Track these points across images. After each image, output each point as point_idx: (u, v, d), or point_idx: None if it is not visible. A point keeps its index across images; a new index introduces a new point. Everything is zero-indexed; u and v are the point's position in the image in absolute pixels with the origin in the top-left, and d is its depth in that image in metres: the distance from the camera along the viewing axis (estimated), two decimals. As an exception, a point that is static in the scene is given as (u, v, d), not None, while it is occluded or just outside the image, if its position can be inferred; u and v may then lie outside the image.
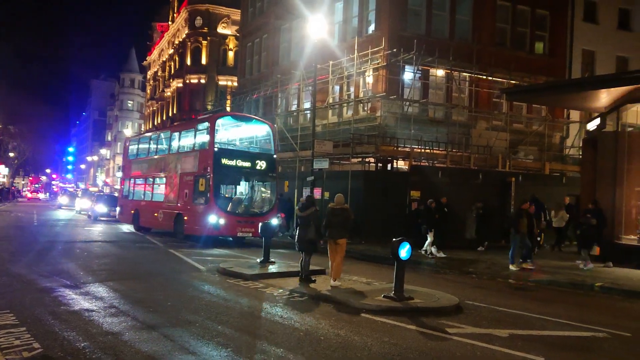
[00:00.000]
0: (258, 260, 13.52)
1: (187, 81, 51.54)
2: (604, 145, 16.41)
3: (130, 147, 28.01)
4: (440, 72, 24.29)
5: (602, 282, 11.99)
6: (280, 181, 20.87)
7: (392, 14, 23.63)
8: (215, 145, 19.07)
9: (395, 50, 22.12)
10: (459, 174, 20.97)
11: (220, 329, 7.30)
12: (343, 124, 24.88)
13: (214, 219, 18.31)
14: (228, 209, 18.87)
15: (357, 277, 12.03)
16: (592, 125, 18.75)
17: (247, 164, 19.61)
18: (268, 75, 32.53)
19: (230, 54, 51.33)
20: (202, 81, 51.02)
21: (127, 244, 19.04)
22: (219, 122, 20.27)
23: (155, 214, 22.31)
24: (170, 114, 55.97)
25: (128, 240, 20.47)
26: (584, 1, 28.33)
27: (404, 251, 9.19)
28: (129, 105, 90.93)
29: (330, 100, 25.97)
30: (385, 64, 22.62)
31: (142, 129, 75.33)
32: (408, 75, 23.02)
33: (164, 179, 22.43)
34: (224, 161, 19.04)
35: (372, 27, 24.95)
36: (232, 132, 21.89)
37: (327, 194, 20.81)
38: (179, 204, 20.62)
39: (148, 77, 74.31)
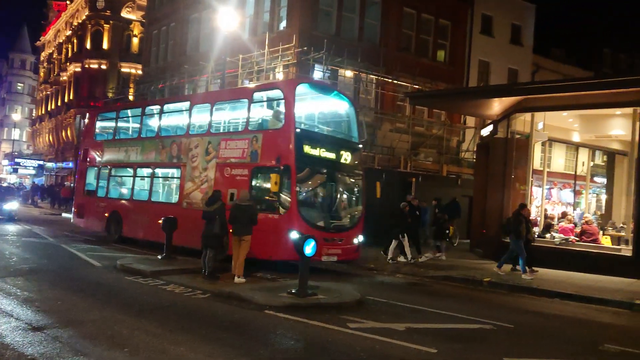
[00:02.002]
0: (159, 256, 13.06)
1: (87, 66, 48.45)
2: (495, 150, 17.65)
3: (100, 124, 19.69)
4: (349, 73, 24.83)
5: (489, 279, 12.90)
6: (366, 181, 14.60)
7: (303, 12, 23.80)
8: (297, 125, 12.69)
9: (305, 48, 22.28)
10: (366, 173, 21.51)
11: (117, 329, 6.97)
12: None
13: (297, 237, 11.07)
14: (313, 221, 12.58)
15: (262, 274, 12.01)
16: (485, 132, 20.09)
17: (332, 156, 13.38)
18: (175, 65, 31.46)
19: (135, 41, 48.99)
20: (103, 67, 48.24)
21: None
22: (299, 89, 13.45)
23: (160, 222, 13.77)
24: (66, 100, 52.36)
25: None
26: (481, 15, 30.26)
27: (309, 248, 9.31)
28: (19, 88, 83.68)
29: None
30: (295, 61, 22.72)
31: (34, 114, 69.76)
32: (318, 74, 23.30)
33: (179, 171, 15.23)
34: (307, 149, 12.71)
35: (283, 24, 24.97)
36: (308, 107, 14.53)
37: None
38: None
39: (42, 58, 68.95)
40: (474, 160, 23.68)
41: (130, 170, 17.44)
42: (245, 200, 11.11)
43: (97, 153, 18.93)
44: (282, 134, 12.73)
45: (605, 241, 15.42)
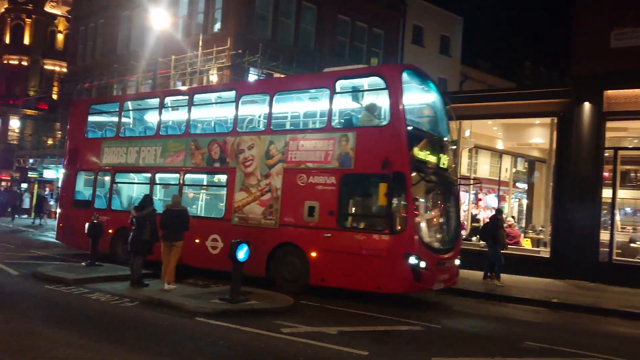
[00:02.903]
0: (83, 263, 12.46)
1: (5, 62, 45.57)
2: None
3: (94, 119, 15.89)
4: (276, 76, 24.86)
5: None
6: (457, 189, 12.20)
7: (238, 15, 23.61)
8: (408, 123, 10.22)
9: (240, 51, 22.09)
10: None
11: (30, 341, 6.55)
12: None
13: (415, 262, 9.62)
14: (426, 241, 10.23)
15: (193, 280, 11.73)
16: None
17: (434, 159, 10.87)
18: (104, 64, 30.24)
19: (60, 37, 46.62)
20: (24, 63, 45.48)
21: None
22: (405, 77, 10.75)
23: (197, 240, 11.88)
24: (-19, 97, 48.97)
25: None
26: (412, 25, 31.23)
27: (242, 253, 9.20)
28: None
29: (172, 97, 24.97)
30: (229, 64, 22.48)
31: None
32: (252, 77, 23.15)
33: (224, 177, 12.39)
34: (416, 152, 10.22)
35: (218, 26, 24.64)
36: (407, 99, 10.78)
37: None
38: (285, 226, 11.02)
39: (-46, 52, 64.15)
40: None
41: (146, 176, 13.97)
42: (177, 205, 10.82)
43: (92, 154, 15.01)
44: (389, 133, 10.12)
45: (526, 243, 16.28)
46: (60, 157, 29.94)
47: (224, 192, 12.37)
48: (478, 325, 9.22)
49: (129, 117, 15.64)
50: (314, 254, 10.50)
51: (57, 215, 16.56)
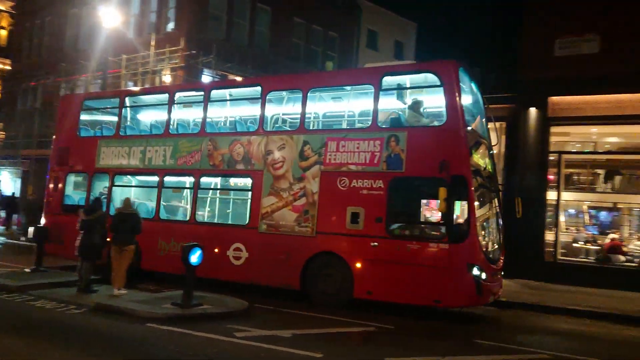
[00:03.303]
0: (27, 269, 11.94)
1: (-57, 58, 43.28)
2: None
3: (88, 117, 14.53)
4: (239, 79, 24.65)
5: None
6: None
7: (192, 15, 23.24)
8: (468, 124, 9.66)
9: (194, 52, 21.75)
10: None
11: (-27, 351, 6.25)
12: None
13: (477, 273, 8.99)
14: (486, 252, 9.69)
15: (144, 285, 11.45)
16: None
17: (483, 163, 10.34)
18: (51, 62, 29.09)
19: (3, 33, 44.66)
20: (-37, 60, 43.38)
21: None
22: (461, 74, 9.92)
23: (217, 249, 11.02)
24: None
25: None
26: (367, 30, 31.61)
27: (195, 257, 9.05)
28: None
29: (123, 97, 24.36)
30: (183, 64, 22.10)
31: None
32: (207, 78, 22.84)
33: (248, 181, 11.41)
34: (475, 157, 9.76)
35: (171, 25, 24.17)
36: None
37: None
38: (323, 234, 10.14)
39: None
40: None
41: (152, 179, 12.71)
42: (129, 207, 10.53)
43: (86, 154, 13.51)
44: (447, 133, 9.40)
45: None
46: (6, 158, 28.66)
47: (246, 196, 11.54)
48: (430, 324, 9.39)
49: (131, 114, 14.37)
50: (358, 265, 9.68)
51: (44, 223, 13.89)
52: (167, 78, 22.91)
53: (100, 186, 13.62)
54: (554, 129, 15.14)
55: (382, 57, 31.92)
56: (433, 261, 9.09)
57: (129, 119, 14.18)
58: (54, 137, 14.88)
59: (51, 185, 14.22)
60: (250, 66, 23.41)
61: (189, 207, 12.29)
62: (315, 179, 10.36)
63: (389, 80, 10.36)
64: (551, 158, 15.26)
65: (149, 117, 14.43)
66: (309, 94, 10.96)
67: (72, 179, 14.16)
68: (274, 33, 26.19)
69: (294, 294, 10.43)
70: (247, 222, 11.10)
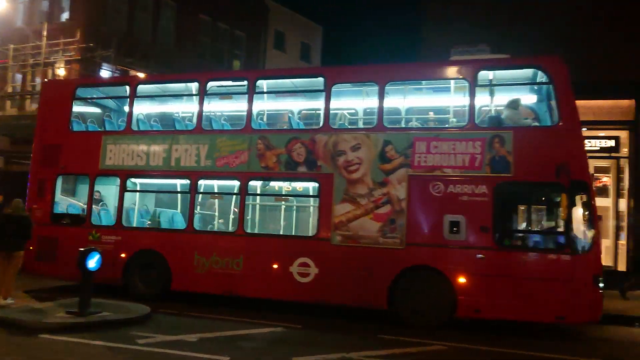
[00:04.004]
0: None
1: None
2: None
3: (82, 108, 12.61)
4: (141, 75, 23.68)
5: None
6: None
7: (89, 5, 21.95)
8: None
9: (92, 44, 20.57)
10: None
11: None
12: (25, 118, 21.81)
13: (602, 286, 8.37)
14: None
15: (35, 292, 10.65)
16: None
17: None
18: None
19: None
20: None
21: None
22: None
23: (275, 265, 9.83)
24: None
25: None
26: (274, 31, 31.65)
27: (93, 261, 8.58)
28: None
29: (10, 90, 22.51)
30: (79, 57, 20.82)
31: None
32: (105, 73, 21.68)
33: (315, 186, 10.11)
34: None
35: (66, 15, 22.68)
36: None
37: (0, 198, 17.83)
38: (414, 245, 9.12)
39: None
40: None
41: (181, 183, 11.20)
42: (18, 210, 9.73)
43: (84, 153, 11.49)
44: (563, 134, 8.67)
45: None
46: None
47: (311, 203, 10.53)
48: (336, 323, 9.58)
49: (146, 106, 12.27)
50: (462, 279, 8.75)
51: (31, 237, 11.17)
52: (61, 71, 21.49)
53: (106, 191, 11.82)
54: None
55: (289, 59, 32.18)
56: (554, 274, 8.37)
57: (143, 111, 12.07)
58: (36, 132, 12.14)
59: (35, 191, 11.63)
60: (153, 62, 22.56)
61: (232, 216, 11.07)
62: (401, 184, 9.28)
63: (485, 75, 9.62)
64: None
65: (170, 110, 12.31)
66: (386, 88, 9.82)
67: (66, 183, 11.99)
68: (179, 29, 25.46)
69: (200, 297, 10.17)
70: (315, 232, 9.86)
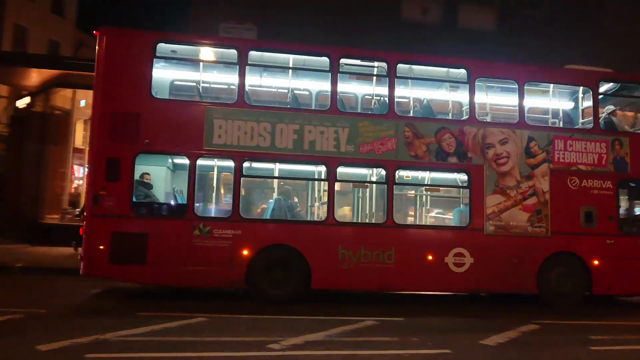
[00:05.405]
0: None
1: None
2: (31, 125, 16.34)
3: (175, 70, 10.49)
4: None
5: (22, 263, 11.89)
6: None
7: None
8: None
9: None
10: None
11: None
12: None
13: None
14: None
15: None
16: (21, 104, 18.33)
17: None
18: None
19: None
20: None
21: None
22: None
23: (430, 257, 9.65)
24: None
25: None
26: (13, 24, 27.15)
27: None
28: None
29: None
30: None
31: None
32: None
33: (464, 176, 10.09)
34: None
35: None
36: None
37: None
38: (557, 233, 10.09)
39: None
40: (7, 134, 21.29)
41: (316, 170, 10.43)
42: None
43: (178, 127, 9.24)
44: None
45: None
46: None
47: (460, 194, 10.73)
48: (87, 306, 8.91)
49: (259, 76, 10.45)
50: (596, 262, 10.11)
51: (88, 229, 8.94)
52: None
53: (207, 177, 10.34)
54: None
55: (38, 9, 28.20)
56: None
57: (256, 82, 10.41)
58: (95, 94, 9.33)
59: (103, 173, 8.95)
60: None
61: (375, 206, 10.69)
62: (544, 177, 10.21)
63: (608, 86, 11.23)
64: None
65: (288, 85, 10.54)
66: (525, 87, 10.50)
67: (148, 163, 9.58)
68: None
69: None
70: (468, 223, 9.99)
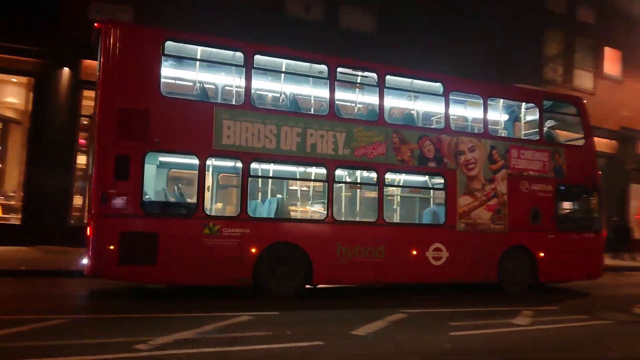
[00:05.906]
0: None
1: None
2: None
3: (176, 69, 10.08)
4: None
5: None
6: None
7: None
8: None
9: None
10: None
11: None
12: None
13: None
14: None
15: None
16: None
17: None
18: None
19: None
20: None
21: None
22: None
23: (414, 252, 10.52)
24: None
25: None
26: None
27: None
28: None
29: None
30: None
31: None
32: None
33: (441, 180, 11.18)
34: None
35: None
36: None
37: None
38: (513, 230, 11.38)
39: None
40: None
41: (316, 171, 11.01)
42: None
43: (187, 126, 8.97)
44: (587, 153, 12.47)
45: (-2, 211, 15.33)
46: None
47: (438, 195, 11.82)
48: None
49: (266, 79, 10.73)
50: (541, 254, 11.51)
51: (96, 229, 8.41)
52: None
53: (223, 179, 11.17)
54: (86, 93, 15.01)
55: None
56: (588, 247, 12.04)
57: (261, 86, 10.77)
58: (101, 89, 8.82)
59: (112, 171, 8.46)
60: None
61: (368, 206, 11.41)
62: (503, 181, 11.42)
63: (547, 104, 12.39)
64: (84, 122, 15.15)
65: (292, 90, 11.07)
66: (487, 102, 11.66)
67: (157, 163, 9.74)
68: None
69: None
70: (443, 221, 11.02)
